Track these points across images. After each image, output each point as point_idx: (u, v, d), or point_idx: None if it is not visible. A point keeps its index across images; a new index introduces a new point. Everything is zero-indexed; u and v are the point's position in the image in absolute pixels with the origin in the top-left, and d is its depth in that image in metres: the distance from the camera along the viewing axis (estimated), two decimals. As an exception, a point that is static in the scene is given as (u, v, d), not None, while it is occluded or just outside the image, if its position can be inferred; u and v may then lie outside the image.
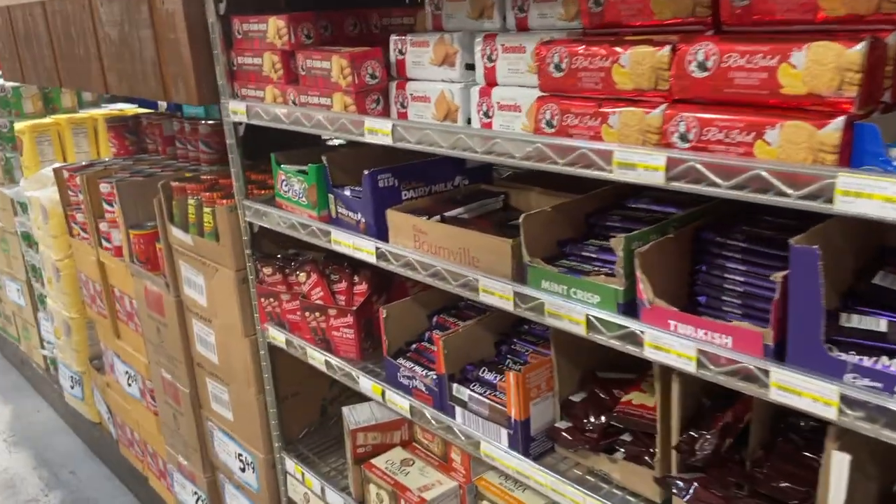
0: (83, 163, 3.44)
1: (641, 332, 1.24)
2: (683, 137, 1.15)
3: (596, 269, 1.40)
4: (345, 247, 1.84)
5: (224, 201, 2.30)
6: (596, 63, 1.26)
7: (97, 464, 3.90)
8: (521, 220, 1.42)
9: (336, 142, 2.89)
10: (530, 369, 1.54)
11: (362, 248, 1.79)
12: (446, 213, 1.75)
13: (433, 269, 1.62)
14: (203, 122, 3.06)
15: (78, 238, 3.37)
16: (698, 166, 1.10)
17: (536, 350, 1.74)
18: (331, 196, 1.96)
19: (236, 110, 2.08)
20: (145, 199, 2.81)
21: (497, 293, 1.47)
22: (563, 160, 1.28)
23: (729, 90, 1.10)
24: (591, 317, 1.31)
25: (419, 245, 1.68)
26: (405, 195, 1.84)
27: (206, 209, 2.36)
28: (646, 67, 1.19)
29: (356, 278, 2.11)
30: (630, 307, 1.28)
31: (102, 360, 3.60)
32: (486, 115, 1.55)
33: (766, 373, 1.09)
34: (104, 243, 3.12)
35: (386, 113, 1.78)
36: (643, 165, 1.15)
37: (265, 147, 2.32)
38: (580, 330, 1.33)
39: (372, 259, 1.77)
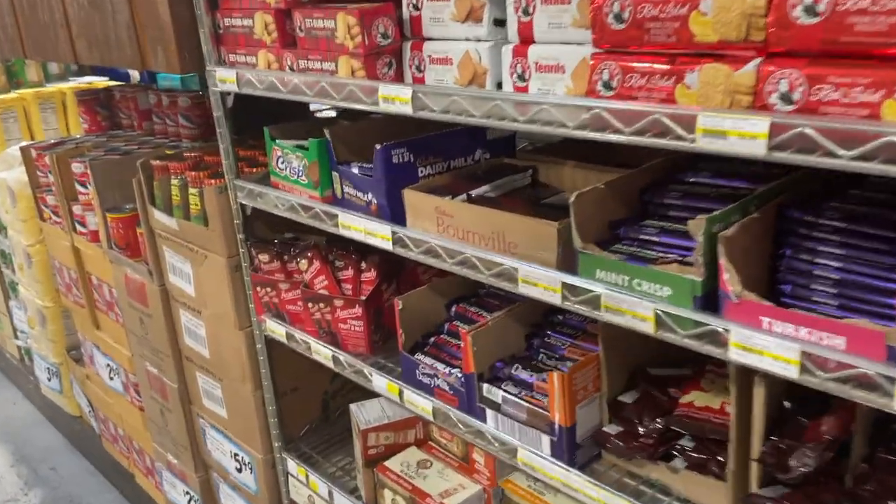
0: (52, 141, 3.19)
1: (725, 330, 1.05)
2: (786, 98, 0.95)
3: (661, 255, 1.21)
4: (355, 231, 1.64)
5: (212, 181, 2.08)
6: (668, 11, 1.05)
7: (79, 459, 3.68)
8: (571, 200, 1.22)
9: (325, 112, 2.68)
10: (577, 369, 1.36)
11: (376, 234, 1.58)
12: (472, 192, 1.54)
13: (461, 256, 1.42)
14: (182, 94, 2.82)
15: (49, 222, 3.12)
16: (810, 132, 0.90)
17: (574, 343, 1.55)
18: (335, 174, 1.75)
19: (224, 79, 1.85)
20: (122, 180, 2.57)
21: (541, 284, 1.28)
22: (629, 128, 1.08)
23: (847, 39, 0.90)
24: (660, 312, 1.12)
25: (443, 229, 1.48)
26: (421, 172, 1.63)
27: (192, 190, 2.14)
28: (734, 14, 0.99)
29: (363, 265, 1.90)
30: (709, 301, 1.09)
31: (80, 351, 3.38)
32: (521, 77, 1.34)
33: (893, 381, 0.91)
34: (78, 228, 2.88)
35: (399, 78, 1.56)
36: (737, 133, 0.96)
37: (248, 120, 2.10)
38: (647, 328, 1.14)
39: (388, 245, 1.57)
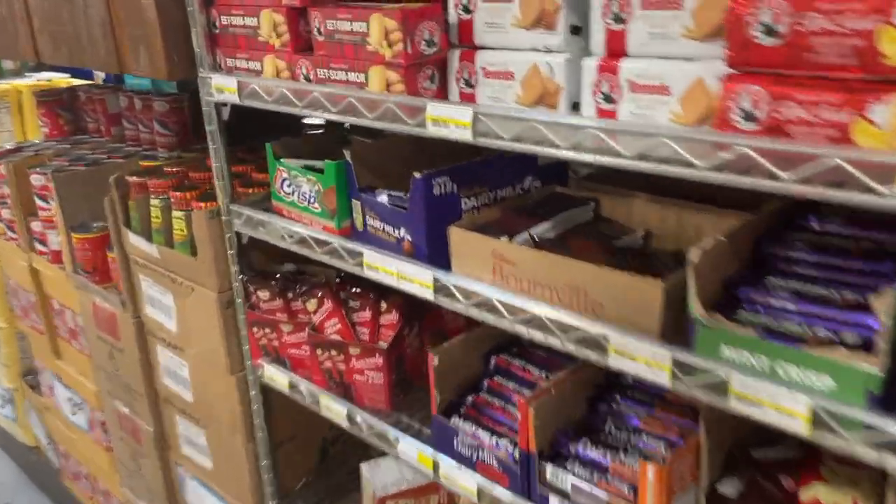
0: (7, 146, 2.84)
1: (915, 439, 0.81)
2: None
3: (803, 328, 0.96)
4: (385, 275, 1.37)
5: (202, 204, 1.79)
6: (846, 23, 0.81)
7: (37, 494, 3.34)
8: (694, 259, 0.97)
9: (307, 120, 2.40)
10: (677, 459, 1.11)
11: (414, 279, 1.32)
12: (533, 231, 1.29)
13: (527, 315, 1.16)
14: (158, 97, 2.51)
15: (4, 238, 2.79)
16: None
17: (653, 415, 1.30)
18: (356, 203, 1.48)
19: (222, 87, 1.57)
20: (90, 193, 2.27)
21: (642, 359, 1.03)
22: (789, 173, 0.83)
23: None
24: (820, 410, 0.87)
25: (502, 278, 1.22)
26: (465, 204, 1.37)
27: (177, 213, 1.85)
28: (953, 31, 0.75)
29: (383, 305, 1.63)
30: (889, 399, 0.85)
31: (37, 378, 3.04)
32: (608, 99, 1.09)
33: None
34: (38, 247, 2.56)
35: (441, 94, 1.30)
36: (968, 191, 0.71)
37: (233, 130, 1.81)
38: (797, 426, 0.89)
39: (428, 294, 1.30)
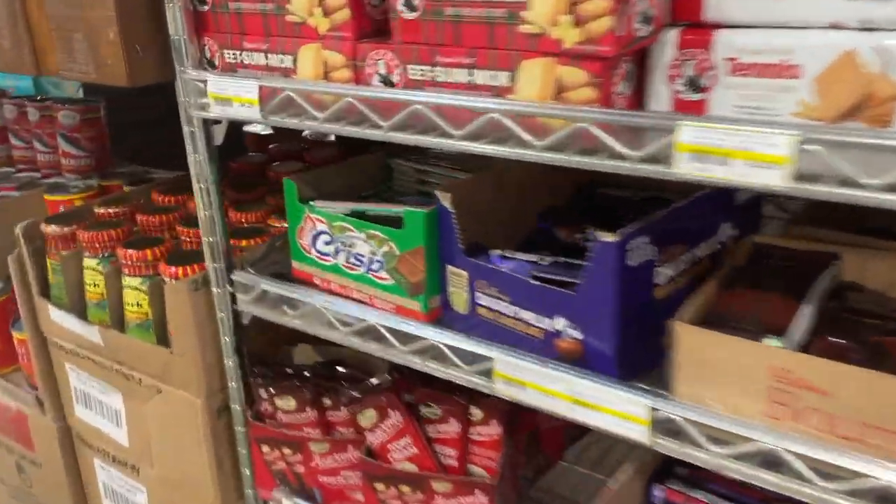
0: None
1: None
2: None
3: None
4: (543, 395, 0.84)
5: (176, 269, 1.20)
6: None
7: None
8: None
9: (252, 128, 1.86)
10: None
11: (604, 408, 0.80)
12: (803, 319, 0.80)
13: (866, 485, 0.68)
14: (64, 106, 1.87)
15: None
16: None
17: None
18: (457, 273, 0.95)
19: (228, 96, 0.99)
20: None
21: None
22: None
23: None
24: None
25: (792, 414, 0.73)
26: (659, 276, 0.87)
27: (132, 281, 1.25)
28: None
29: (475, 413, 1.10)
30: None
31: None
32: None
33: None
34: None
35: (634, 102, 0.79)
36: None
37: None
38: None
39: (636, 433, 0.79)
